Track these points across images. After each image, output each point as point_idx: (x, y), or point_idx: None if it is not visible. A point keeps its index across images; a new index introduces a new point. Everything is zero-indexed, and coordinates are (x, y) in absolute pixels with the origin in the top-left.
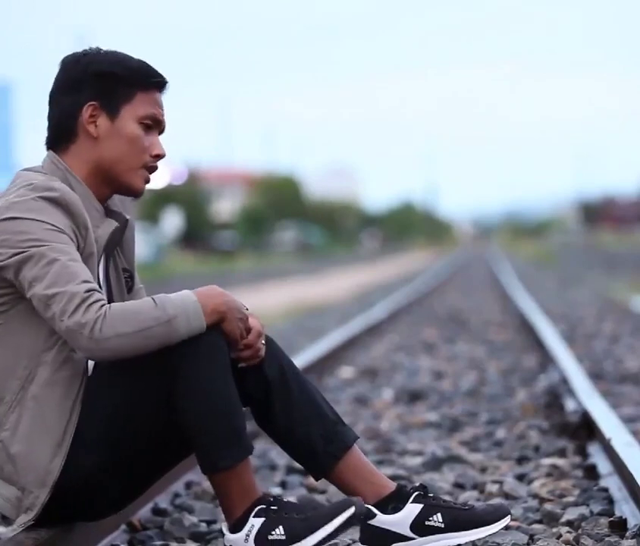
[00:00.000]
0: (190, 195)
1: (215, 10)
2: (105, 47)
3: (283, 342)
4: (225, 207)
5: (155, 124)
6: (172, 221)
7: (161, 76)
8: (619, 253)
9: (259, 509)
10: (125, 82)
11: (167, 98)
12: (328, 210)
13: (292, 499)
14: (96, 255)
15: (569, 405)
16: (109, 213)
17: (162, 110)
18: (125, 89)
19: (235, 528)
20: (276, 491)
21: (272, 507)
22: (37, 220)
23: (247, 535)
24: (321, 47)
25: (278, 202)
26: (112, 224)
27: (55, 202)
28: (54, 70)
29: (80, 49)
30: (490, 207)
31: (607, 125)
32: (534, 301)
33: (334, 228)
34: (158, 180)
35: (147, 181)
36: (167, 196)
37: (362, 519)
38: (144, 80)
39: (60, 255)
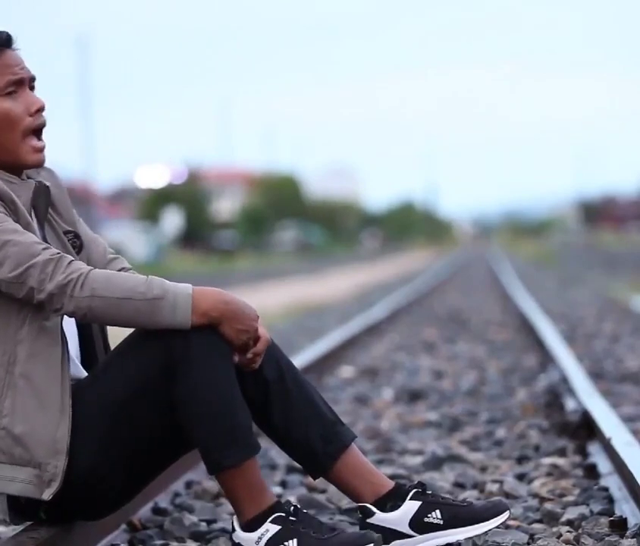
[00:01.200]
0: (190, 194)
1: (215, 10)
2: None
3: (282, 342)
4: (225, 207)
5: (18, 84)
6: (172, 220)
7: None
8: (619, 253)
9: (277, 517)
10: None
11: (165, 97)
12: (328, 210)
13: (292, 498)
14: (33, 222)
15: (569, 404)
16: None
17: (18, 65)
18: None
19: (248, 527)
20: (276, 490)
21: (291, 518)
22: None
23: (260, 538)
24: (321, 47)
25: (278, 202)
26: (31, 184)
27: None
28: (54, 70)
29: None
30: (490, 207)
31: (607, 125)
32: (534, 301)
33: (334, 228)
34: (158, 180)
35: (38, 147)
36: (167, 196)
37: (361, 517)
38: None
39: (8, 235)
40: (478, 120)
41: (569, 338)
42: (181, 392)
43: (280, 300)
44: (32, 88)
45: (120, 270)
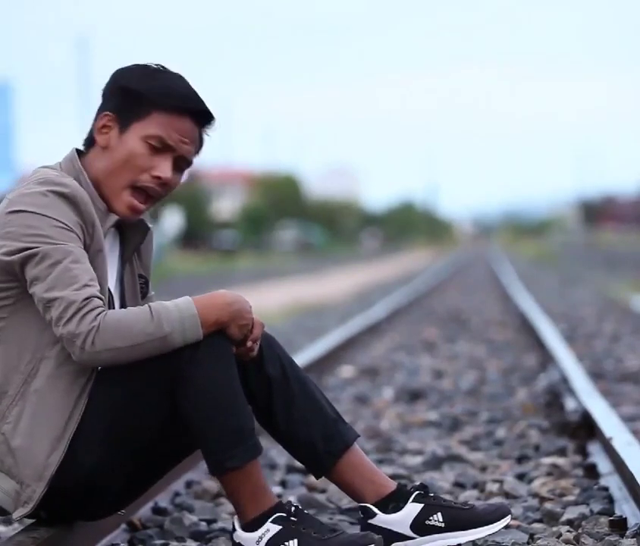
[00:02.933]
0: (191, 194)
1: (215, 11)
2: (170, 67)
3: (283, 341)
4: (225, 206)
5: (164, 148)
6: (172, 220)
7: (191, 102)
8: (619, 253)
9: (278, 517)
10: (143, 99)
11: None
12: (329, 209)
13: (292, 498)
14: (105, 253)
15: (570, 404)
16: (136, 221)
17: (182, 136)
18: (141, 107)
19: (249, 527)
20: (276, 490)
21: (292, 518)
22: (45, 215)
23: (260, 538)
24: (321, 47)
25: (279, 202)
26: (112, 218)
27: (65, 197)
28: (54, 70)
29: (144, 62)
30: (490, 206)
31: (607, 125)
32: (534, 300)
33: (335, 228)
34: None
35: (132, 208)
36: (167, 196)
37: (362, 518)
38: (165, 101)
39: (64, 256)
40: (478, 120)
41: (569, 338)
42: (187, 394)
43: (280, 300)
44: (179, 168)
45: None
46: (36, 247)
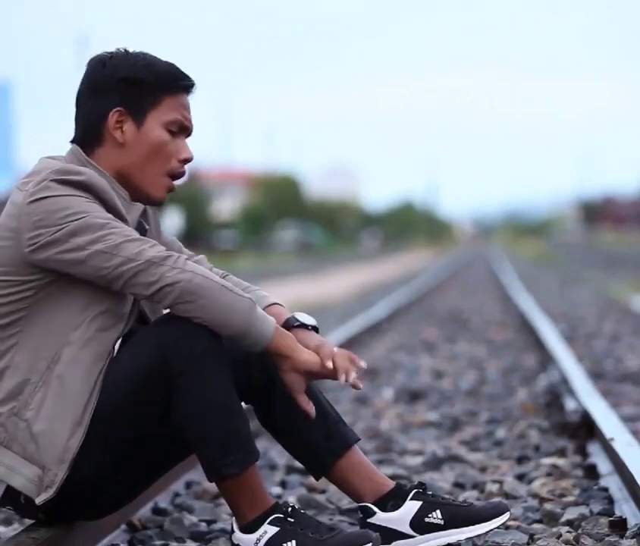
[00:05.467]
0: (191, 194)
1: (215, 11)
2: (131, 48)
3: None
4: (226, 206)
5: (181, 129)
6: (172, 220)
7: (188, 78)
8: (619, 253)
9: (276, 518)
10: (152, 87)
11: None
12: (328, 209)
13: (292, 499)
14: None
15: (570, 404)
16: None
17: (189, 113)
18: (152, 95)
19: (247, 529)
20: (276, 490)
21: (289, 519)
22: (73, 195)
23: (258, 540)
24: (321, 47)
25: (279, 202)
26: (139, 208)
27: (82, 185)
28: (54, 69)
29: (107, 50)
30: (490, 206)
31: (607, 125)
32: (534, 300)
33: (335, 228)
34: None
35: (170, 189)
36: (168, 196)
37: (361, 517)
38: (171, 84)
39: (108, 220)
40: (478, 120)
41: (569, 338)
42: (180, 400)
43: (280, 300)
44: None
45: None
46: (75, 223)
